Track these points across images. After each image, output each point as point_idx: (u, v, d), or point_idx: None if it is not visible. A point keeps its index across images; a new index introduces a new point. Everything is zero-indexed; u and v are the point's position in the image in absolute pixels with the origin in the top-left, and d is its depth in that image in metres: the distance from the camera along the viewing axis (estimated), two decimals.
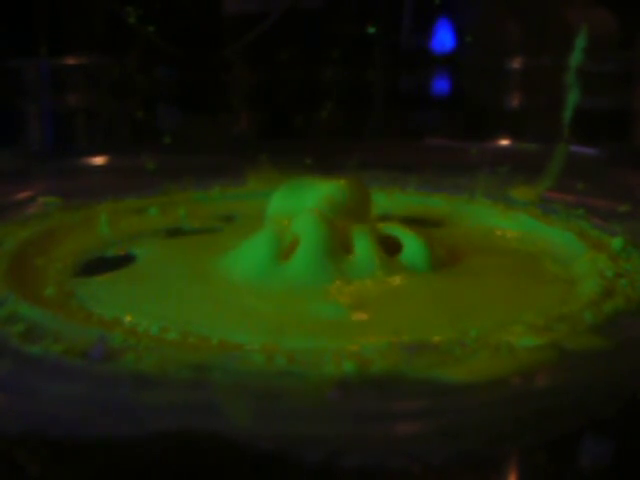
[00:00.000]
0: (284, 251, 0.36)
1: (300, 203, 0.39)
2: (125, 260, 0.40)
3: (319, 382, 0.25)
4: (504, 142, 0.60)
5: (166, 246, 0.43)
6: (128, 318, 0.31)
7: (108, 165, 0.56)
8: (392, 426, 0.23)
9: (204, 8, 0.64)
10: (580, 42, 0.49)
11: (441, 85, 0.67)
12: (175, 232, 0.45)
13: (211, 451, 0.22)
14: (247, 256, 0.37)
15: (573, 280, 0.36)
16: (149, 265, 0.39)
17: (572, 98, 0.49)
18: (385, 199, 0.49)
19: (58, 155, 0.59)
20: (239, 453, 0.22)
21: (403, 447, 0.22)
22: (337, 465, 0.21)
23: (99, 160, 0.57)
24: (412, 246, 0.37)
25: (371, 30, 0.63)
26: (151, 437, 0.22)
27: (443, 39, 0.65)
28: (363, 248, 0.36)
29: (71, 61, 0.62)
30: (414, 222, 0.45)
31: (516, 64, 0.63)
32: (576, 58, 0.49)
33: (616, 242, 0.38)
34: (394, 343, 0.28)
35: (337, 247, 0.36)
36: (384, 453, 0.22)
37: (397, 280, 0.35)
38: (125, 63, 0.62)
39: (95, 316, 0.32)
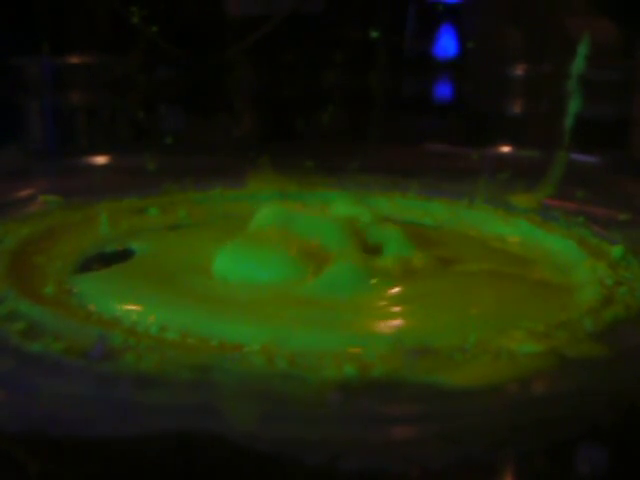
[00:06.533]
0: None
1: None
2: (124, 255, 0.40)
3: (320, 385, 0.25)
4: (505, 148, 0.60)
5: (164, 239, 0.43)
6: (128, 316, 0.32)
7: (109, 164, 0.56)
8: (392, 430, 0.23)
9: (207, 9, 0.64)
10: (582, 50, 0.49)
11: (443, 90, 0.67)
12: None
13: (210, 452, 0.22)
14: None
15: (573, 287, 0.36)
16: (148, 259, 0.39)
17: (573, 105, 0.49)
18: (386, 203, 0.49)
19: (59, 154, 0.59)
20: (238, 455, 0.22)
21: (403, 451, 0.22)
22: (336, 468, 0.21)
23: (100, 159, 0.56)
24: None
25: (374, 34, 0.63)
26: (150, 437, 0.22)
27: (446, 45, 0.65)
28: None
29: (73, 60, 0.62)
30: (414, 227, 0.46)
31: (518, 71, 0.63)
32: (578, 66, 0.49)
33: (616, 250, 0.39)
34: (395, 347, 0.28)
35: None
36: (383, 457, 0.22)
37: (397, 285, 0.34)
38: (127, 63, 0.62)
39: (95, 315, 0.32)
